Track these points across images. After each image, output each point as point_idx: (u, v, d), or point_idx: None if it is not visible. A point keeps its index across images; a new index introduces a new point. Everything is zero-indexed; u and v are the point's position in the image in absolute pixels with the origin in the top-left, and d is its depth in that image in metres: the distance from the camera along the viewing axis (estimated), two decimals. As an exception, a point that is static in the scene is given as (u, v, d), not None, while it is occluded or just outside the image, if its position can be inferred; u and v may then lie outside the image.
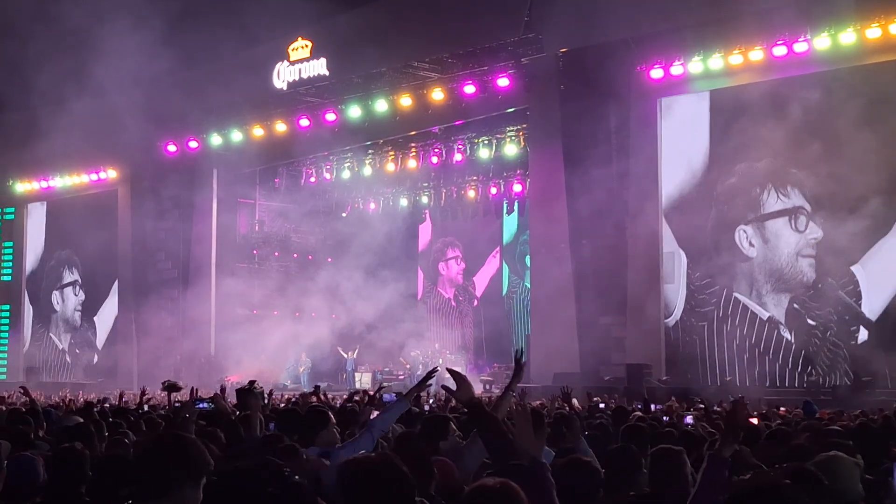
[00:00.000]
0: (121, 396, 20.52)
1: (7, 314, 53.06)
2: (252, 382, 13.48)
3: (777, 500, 4.80)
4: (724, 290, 31.60)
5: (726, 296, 31.56)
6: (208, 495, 5.01)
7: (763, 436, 10.32)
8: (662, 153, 33.37)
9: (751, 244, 30.76)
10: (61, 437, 10.06)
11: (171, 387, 13.39)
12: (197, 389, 12.55)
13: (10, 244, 53.52)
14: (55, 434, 10.94)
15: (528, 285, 39.13)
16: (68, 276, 50.91)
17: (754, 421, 11.82)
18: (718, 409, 17.64)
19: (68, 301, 50.80)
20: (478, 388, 33.82)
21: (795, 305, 29.87)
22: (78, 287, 50.34)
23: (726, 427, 6.67)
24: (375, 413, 11.52)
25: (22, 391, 16.12)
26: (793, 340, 29.87)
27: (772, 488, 4.89)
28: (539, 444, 6.32)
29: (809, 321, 29.61)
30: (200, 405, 12.59)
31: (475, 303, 46.74)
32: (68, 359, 49.97)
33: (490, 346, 45.05)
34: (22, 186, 52.05)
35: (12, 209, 53.35)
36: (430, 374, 10.40)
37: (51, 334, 51.30)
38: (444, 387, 9.95)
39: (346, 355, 44.18)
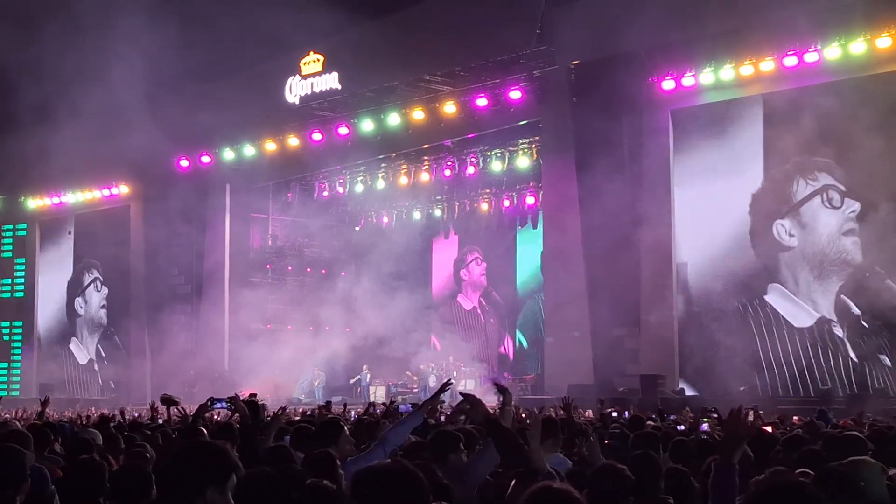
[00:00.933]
0: (122, 413, 20.48)
1: (20, 330, 53.14)
2: (252, 395, 13.53)
3: (798, 499, 4.80)
4: (743, 299, 31.59)
5: (744, 304, 31.56)
6: (237, 498, 5.06)
7: (778, 443, 10.32)
8: (674, 164, 33.37)
9: (790, 234, 30.58)
10: (77, 449, 10.09)
11: (167, 401, 13.39)
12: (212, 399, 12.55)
13: (23, 260, 53.61)
14: (70, 447, 10.96)
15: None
16: (88, 278, 50.94)
17: (768, 429, 11.77)
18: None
19: (91, 300, 50.83)
20: (492, 400, 33.74)
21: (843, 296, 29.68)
22: (100, 283, 50.38)
23: (725, 434, 6.69)
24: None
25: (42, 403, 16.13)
26: (845, 337, 29.69)
27: (791, 487, 4.90)
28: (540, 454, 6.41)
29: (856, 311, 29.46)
30: (219, 405, 12.61)
31: (500, 301, 46.59)
32: (86, 376, 50.04)
33: (503, 358, 45.03)
34: (34, 203, 52.17)
35: (24, 225, 53.44)
36: (443, 387, 10.40)
37: (71, 347, 51.34)
38: (457, 406, 10.03)
39: (363, 367, 44.18)
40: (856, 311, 29.32)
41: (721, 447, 6.51)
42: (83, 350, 50.94)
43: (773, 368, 30.71)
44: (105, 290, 50.09)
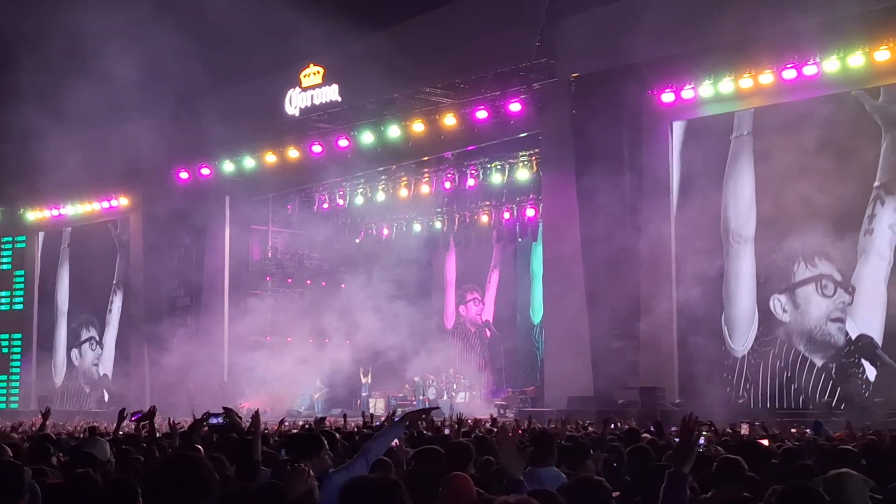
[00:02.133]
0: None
1: (19, 342, 53.13)
2: (226, 408, 13.51)
3: None
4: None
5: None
6: None
7: (773, 456, 10.32)
8: (674, 176, 33.40)
9: (784, 310, 30.81)
10: (71, 463, 10.08)
11: (146, 416, 13.41)
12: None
13: (22, 272, 53.59)
14: (65, 462, 10.96)
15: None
16: (85, 334, 50.97)
17: (764, 442, 11.79)
18: (730, 430, 17.63)
19: (85, 356, 50.90)
20: (491, 412, 33.82)
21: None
22: (95, 343, 50.46)
23: (679, 444, 6.72)
24: (395, 441, 11.61)
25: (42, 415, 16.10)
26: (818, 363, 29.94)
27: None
28: (520, 464, 6.43)
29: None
30: (214, 420, 12.64)
31: (488, 333, 46.77)
32: (84, 389, 50.08)
33: (506, 371, 45.00)
34: (33, 215, 52.18)
35: (23, 237, 53.44)
36: (431, 409, 10.55)
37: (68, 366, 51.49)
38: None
39: (363, 379, 44.21)
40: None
41: (673, 456, 6.55)
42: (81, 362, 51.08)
43: (771, 381, 30.75)
44: (99, 350, 50.13)
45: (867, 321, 29.20)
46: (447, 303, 48.65)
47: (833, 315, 29.79)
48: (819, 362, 29.87)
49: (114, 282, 49.69)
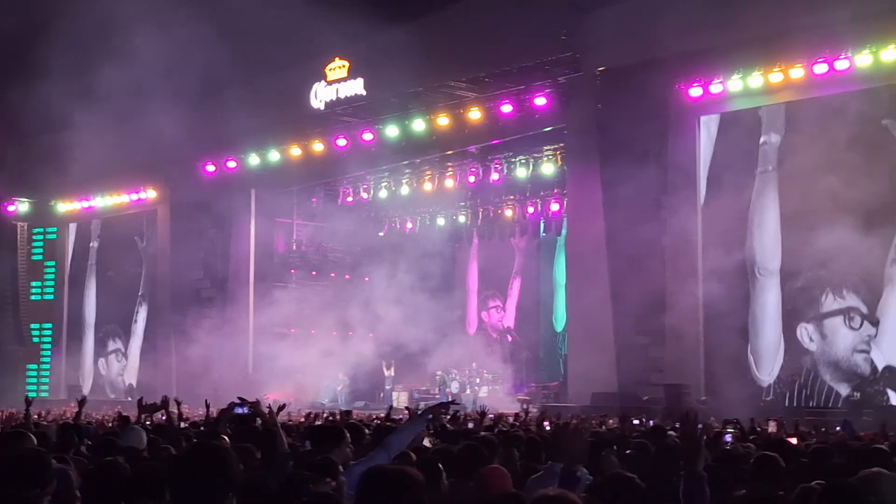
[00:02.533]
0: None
1: (49, 332, 53.38)
2: (241, 398, 13.49)
3: None
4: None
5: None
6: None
7: (803, 455, 10.23)
8: (701, 171, 33.22)
9: (811, 339, 30.68)
10: (100, 452, 10.09)
11: (148, 408, 13.42)
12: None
13: (53, 263, 53.86)
14: (93, 449, 10.97)
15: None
16: (112, 345, 51.14)
17: (793, 440, 11.67)
18: (759, 429, 17.53)
19: (112, 367, 51.10)
20: (514, 408, 33.78)
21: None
22: (120, 354, 50.68)
23: (683, 443, 6.67)
24: (427, 442, 11.61)
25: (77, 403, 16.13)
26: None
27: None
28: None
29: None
30: (239, 410, 12.62)
31: (509, 338, 46.76)
32: (111, 378, 50.26)
33: (528, 366, 44.91)
34: (63, 206, 52.43)
35: (54, 228, 53.71)
36: (452, 402, 10.55)
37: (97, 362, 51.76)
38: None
39: (386, 372, 44.24)
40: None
41: (683, 457, 6.51)
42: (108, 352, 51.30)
43: (800, 378, 30.61)
44: (125, 361, 50.35)
45: (892, 351, 29.04)
46: (469, 309, 48.64)
47: (859, 347, 29.61)
48: (844, 392, 29.67)
49: (139, 294, 49.86)
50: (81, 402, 15.99)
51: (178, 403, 14.81)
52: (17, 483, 6.50)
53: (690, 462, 6.50)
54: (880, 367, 28.95)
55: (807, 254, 30.04)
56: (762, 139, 31.65)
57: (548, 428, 15.34)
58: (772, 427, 13.90)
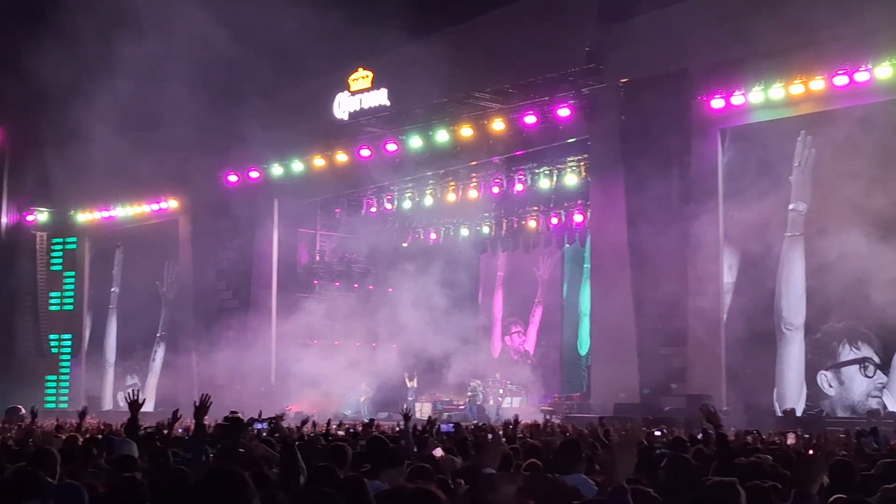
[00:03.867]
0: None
1: (69, 343, 53.50)
2: (233, 412, 13.50)
3: None
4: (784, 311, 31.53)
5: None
6: None
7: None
8: (723, 183, 33.19)
9: (830, 385, 30.95)
10: (120, 466, 10.10)
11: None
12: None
13: (73, 273, 53.96)
14: (114, 463, 10.97)
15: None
16: (129, 380, 50.87)
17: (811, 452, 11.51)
18: (776, 440, 17.46)
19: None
20: (538, 418, 33.72)
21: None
22: (137, 390, 50.80)
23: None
24: (439, 451, 11.58)
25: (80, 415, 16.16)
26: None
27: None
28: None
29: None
30: (258, 426, 12.66)
31: (529, 361, 46.67)
32: (133, 382, 50.35)
33: (551, 377, 44.85)
34: (83, 217, 52.54)
35: (74, 239, 53.80)
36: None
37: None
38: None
39: (409, 383, 44.23)
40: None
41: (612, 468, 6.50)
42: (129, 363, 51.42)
43: (818, 387, 30.68)
44: (142, 396, 50.44)
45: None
46: (494, 336, 48.49)
47: (873, 393, 29.97)
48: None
49: (157, 335, 50.01)
50: (82, 413, 16.01)
51: (175, 413, 14.74)
52: (9, 501, 6.52)
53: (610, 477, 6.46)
54: (892, 408, 29.14)
55: (828, 308, 30.44)
56: (791, 206, 31.68)
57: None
58: (791, 439, 13.81)
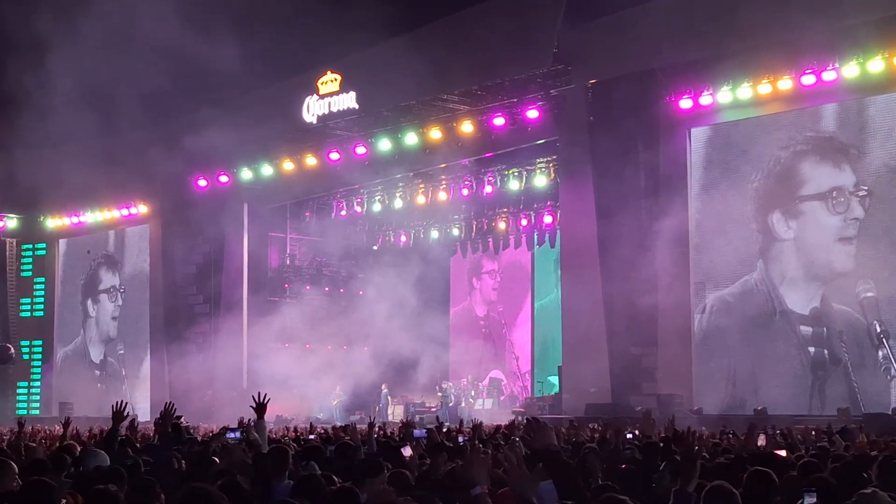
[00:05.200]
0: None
1: (40, 349, 53.29)
2: (178, 418, 13.50)
3: None
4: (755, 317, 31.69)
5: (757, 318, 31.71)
6: None
7: (793, 467, 10.14)
8: (692, 182, 33.35)
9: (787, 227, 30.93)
10: (92, 478, 10.00)
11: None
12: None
13: (42, 279, 53.82)
14: (85, 475, 10.85)
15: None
16: (106, 281, 51.25)
17: (782, 453, 11.55)
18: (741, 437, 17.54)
19: (103, 307, 51.18)
20: (507, 419, 33.76)
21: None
22: (117, 293, 50.63)
23: (684, 461, 6.64)
24: (408, 450, 11.58)
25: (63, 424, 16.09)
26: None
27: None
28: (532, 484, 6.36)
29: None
30: (231, 434, 12.65)
31: (503, 331, 46.67)
32: (105, 395, 49.99)
33: (523, 380, 44.95)
34: (53, 222, 52.38)
35: (44, 245, 53.66)
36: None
37: (87, 361, 51.64)
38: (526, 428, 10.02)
39: (382, 386, 44.15)
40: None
41: (683, 474, 6.46)
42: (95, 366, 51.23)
43: (791, 386, 30.78)
44: (120, 300, 50.25)
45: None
46: (463, 336, 48.45)
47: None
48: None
49: (129, 340, 50.21)
50: (66, 423, 15.93)
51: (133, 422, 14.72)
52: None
53: (684, 481, 6.47)
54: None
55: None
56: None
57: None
58: (761, 440, 13.84)
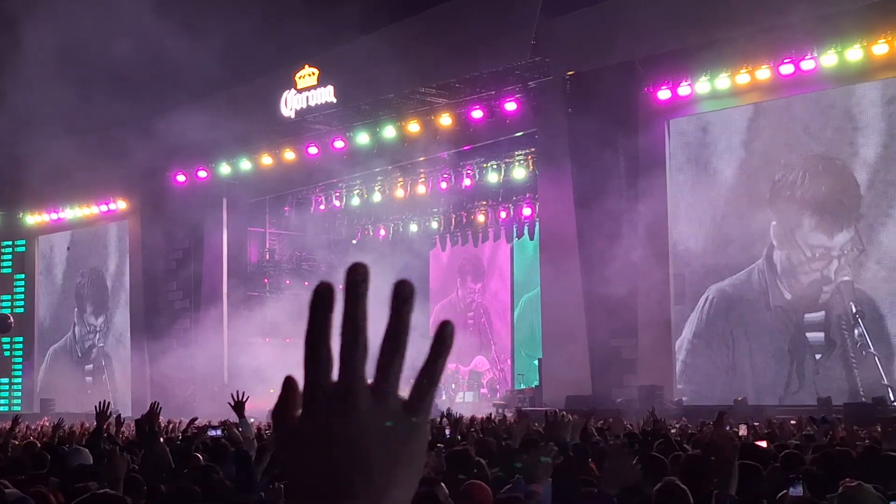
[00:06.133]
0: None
1: (21, 346, 53.14)
2: (119, 416, 13.43)
3: None
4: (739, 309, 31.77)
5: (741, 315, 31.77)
6: None
7: (774, 459, 10.12)
8: (671, 173, 33.40)
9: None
10: (75, 475, 9.91)
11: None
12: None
13: (22, 276, 53.70)
14: (69, 472, 10.77)
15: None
16: (91, 320, 51.07)
17: (762, 444, 11.50)
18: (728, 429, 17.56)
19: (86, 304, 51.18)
20: (489, 411, 33.77)
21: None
22: (97, 289, 50.67)
23: (720, 461, 6.59)
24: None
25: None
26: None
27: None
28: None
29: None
30: (212, 432, 12.62)
31: (483, 323, 46.73)
32: (86, 391, 49.82)
33: (505, 370, 44.99)
34: (32, 219, 52.25)
35: (23, 241, 53.55)
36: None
37: (70, 357, 51.52)
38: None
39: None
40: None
41: (719, 475, 6.42)
42: (77, 361, 51.13)
43: (770, 374, 30.87)
44: (102, 318, 50.27)
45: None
46: (439, 300, 48.55)
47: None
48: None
49: (109, 337, 50.10)
50: (57, 425, 15.83)
51: (119, 418, 14.65)
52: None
53: (725, 484, 6.41)
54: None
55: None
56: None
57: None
58: (742, 430, 13.86)
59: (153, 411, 12.24)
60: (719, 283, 32.44)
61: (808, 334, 30.47)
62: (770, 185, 31.27)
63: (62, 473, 10.55)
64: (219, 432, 12.27)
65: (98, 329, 50.43)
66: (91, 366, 50.46)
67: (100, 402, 12.80)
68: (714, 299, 32.57)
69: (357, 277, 1.52)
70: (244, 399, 12.48)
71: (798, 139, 30.78)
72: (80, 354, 51.16)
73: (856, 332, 29.58)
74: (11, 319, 48.40)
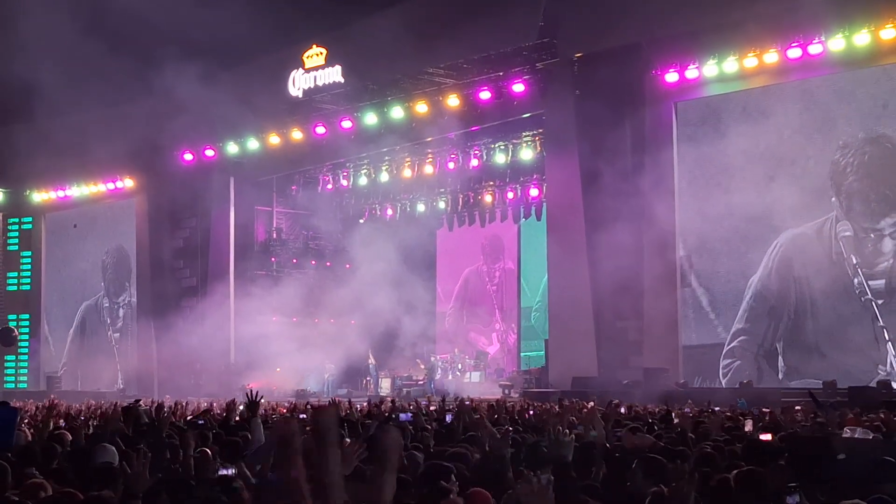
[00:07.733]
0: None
1: (27, 323, 53.26)
2: (137, 401, 13.38)
3: None
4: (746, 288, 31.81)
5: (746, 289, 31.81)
6: None
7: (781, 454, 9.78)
8: (678, 156, 33.39)
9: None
10: (92, 477, 9.40)
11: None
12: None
13: (29, 253, 53.80)
14: (85, 473, 10.15)
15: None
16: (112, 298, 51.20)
17: (767, 437, 11.26)
18: (731, 415, 17.60)
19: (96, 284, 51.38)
20: (497, 393, 33.95)
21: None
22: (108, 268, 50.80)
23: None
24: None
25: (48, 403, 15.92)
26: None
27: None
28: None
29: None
30: (224, 471, 12.59)
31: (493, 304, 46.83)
32: (92, 369, 49.95)
33: (510, 350, 45.12)
34: (39, 196, 52.34)
35: (30, 219, 53.66)
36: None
37: (78, 335, 51.70)
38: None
39: (370, 360, 44.13)
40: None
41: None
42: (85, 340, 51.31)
43: (777, 357, 30.91)
44: (125, 295, 50.34)
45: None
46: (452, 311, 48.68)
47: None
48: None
49: (118, 315, 50.19)
50: (50, 407, 15.55)
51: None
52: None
53: None
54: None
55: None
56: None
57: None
58: (748, 426, 13.81)
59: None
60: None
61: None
62: (777, 168, 31.27)
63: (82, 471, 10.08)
64: (231, 472, 12.08)
65: (105, 307, 50.55)
66: (98, 344, 50.50)
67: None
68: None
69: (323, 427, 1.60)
70: (258, 399, 12.36)
71: (805, 122, 30.75)
72: (88, 332, 51.24)
73: (855, 280, 29.70)
74: (17, 332, 48.49)
